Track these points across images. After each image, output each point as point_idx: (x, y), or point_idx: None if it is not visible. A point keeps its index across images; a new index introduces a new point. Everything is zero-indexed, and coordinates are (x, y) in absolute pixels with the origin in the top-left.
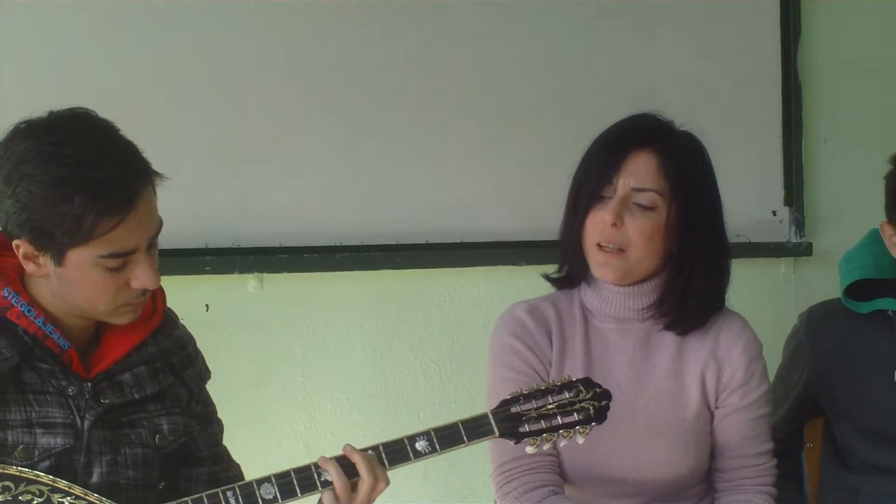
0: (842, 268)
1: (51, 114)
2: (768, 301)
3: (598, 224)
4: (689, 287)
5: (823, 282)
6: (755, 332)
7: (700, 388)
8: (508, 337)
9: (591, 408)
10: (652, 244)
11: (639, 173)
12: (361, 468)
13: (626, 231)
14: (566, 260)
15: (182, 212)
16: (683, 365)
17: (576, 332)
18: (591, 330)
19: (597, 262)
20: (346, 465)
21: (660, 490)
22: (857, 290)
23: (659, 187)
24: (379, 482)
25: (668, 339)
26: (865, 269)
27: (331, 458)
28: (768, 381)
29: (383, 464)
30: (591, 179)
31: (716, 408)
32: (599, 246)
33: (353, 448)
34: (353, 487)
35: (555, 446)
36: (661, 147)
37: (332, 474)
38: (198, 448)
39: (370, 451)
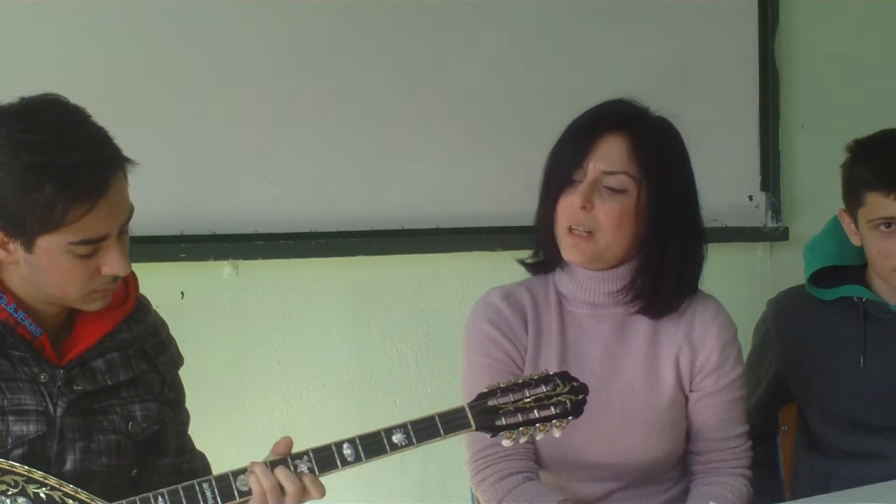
0: (806, 255)
1: (22, 100)
2: (745, 285)
3: (567, 207)
4: (662, 271)
5: (799, 266)
6: (730, 316)
7: (675, 372)
8: (484, 323)
9: (567, 402)
10: (622, 228)
11: (609, 156)
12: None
13: (595, 214)
14: (541, 245)
15: (157, 199)
16: (658, 349)
17: (551, 318)
18: (566, 315)
19: (566, 244)
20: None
21: (636, 474)
22: (822, 276)
23: (629, 170)
24: (309, 492)
25: (643, 324)
26: (830, 256)
27: (261, 463)
28: (743, 364)
29: (359, 457)
30: (562, 164)
31: (690, 391)
32: (570, 229)
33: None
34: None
35: (531, 439)
36: (632, 131)
37: (260, 477)
38: (165, 437)
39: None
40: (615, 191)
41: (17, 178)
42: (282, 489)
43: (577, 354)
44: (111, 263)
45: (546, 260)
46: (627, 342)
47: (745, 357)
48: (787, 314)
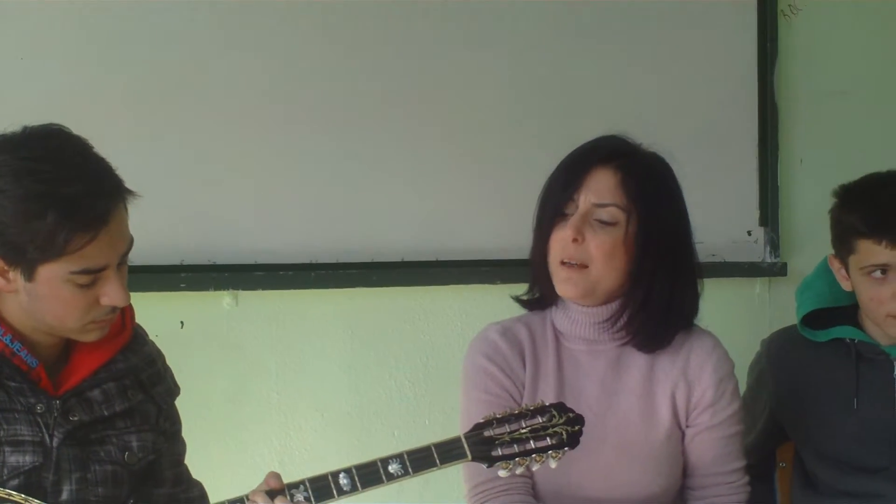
0: (798, 297)
1: (24, 129)
2: (742, 320)
3: (560, 241)
4: (651, 304)
5: None
6: (726, 351)
7: (671, 407)
8: (481, 359)
9: (564, 433)
10: (613, 260)
11: (599, 189)
12: None
13: (587, 247)
14: (536, 281)
15: (158, 228)
16: (654, 385)
17: (548, 354)
18: (563, 352)
19: (559, 278)
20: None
21: None
22: (814, 317)
23: (619, 202)
24: None
25: (639, 360)
26: (821, 298)
27: (261, 492)
28: (740, 399)
29: (356, 487)
30: (554, 197)
31: (687, 426)
32: (562, 262)
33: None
34: None
35: (527, 470)
36: (622, 164)
37: None
38: (161, 467)
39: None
40: (605, 223)
41: (20, 205)
42: None
43: (574, 391)
44: (110, 294)
45: (542, 296)
46: (623, 378)
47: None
48: (780, 355)
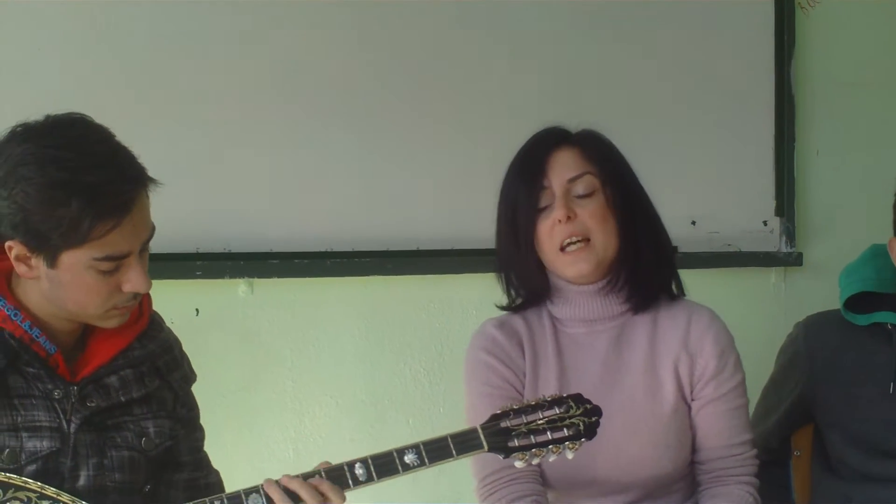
0: (842, 280)
1: (48, 118)
2: (758, 310)
3: (552, 229)
4: (640, 261)
5: (813, 292)
6: (725, 324)
7: (675, 381)
8: (481, 353)
9: (581, 423)
10: (607, 224)
11: (567, 165)
12: (304, 494)
13: (581, 221)
14: (522, 286)
15: (173, 217)
16: (656, 360)
17: (547, 342)
18: (562, 337)
19: (566, 262)
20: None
21: (644, 487)
22: (854, 303)
23: (590, 170)
24: (329, 500)
25: (640, 337)
26: (866, 282)
27: (275, 482)
28: (742, 372)
29: (371, 477)
30: (525, 195)
31: (692, 400)
32: (563, 248)
33: (292, 477)
34: None
35: (544, 461)
36: (575, 140)
37: (276, 499)
38: (179, 453)
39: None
40: (586, 195)
41: (44, 193)
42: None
43: (576, 373)
44: (133, 280)
45: (530, 296)
46: (625, 355)
47: (759, 381)
48: (819, 336)
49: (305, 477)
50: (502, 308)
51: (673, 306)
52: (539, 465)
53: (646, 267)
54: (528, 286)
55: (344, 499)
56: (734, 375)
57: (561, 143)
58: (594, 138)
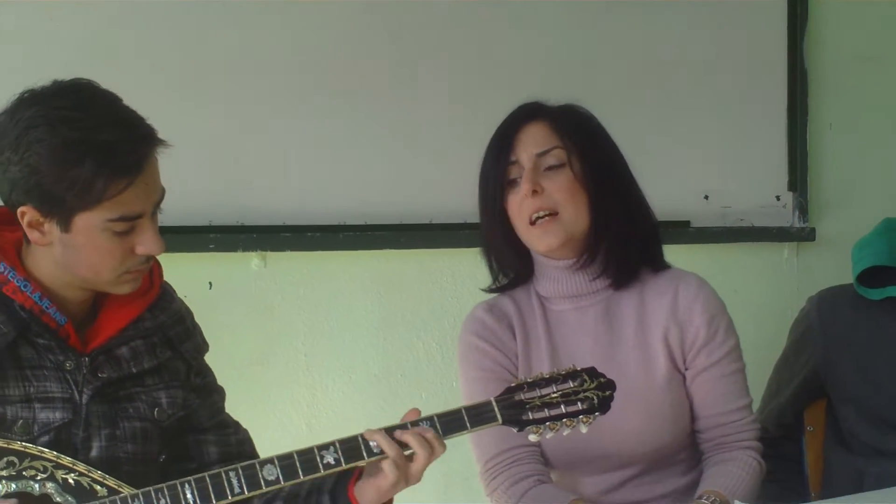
0: (855, 254)
1: (55, 82)
2: (770, 285)
3: (520, 203)
4: (613, 237)
5: (826, 267)
6: (714, 290)
7: (666, 351)
8: (472, 337)
9: (595, 397)
10: (576, 198)
11: (536, 139)
12: (412, 441)
13: (549, 195)
14: (505, 265)
15: (186, 189)
16: (647, 332)
17: (536, 321)
18: (551, 315)
19: (535, 236)
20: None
21: (646, 459)
22: (868, 277)
23: (560, 143)
24: (436, 450)
25: (629, 310)
26: (879, 256)
27: (378, 430)
28: (735, 336)
29: None
30: (494, 170)
31: (685, 369)
32: (532, 222)
33: (395, 427)
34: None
35: (558, 435)
36: (547, 114)
37: (383, 443)
38: (199, 420)
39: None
40: (554, 167)
41: (57, 153)
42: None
43: (568, 351)
44: (146, 242)
45: (516, 275)
46: (615, 329)
47: (770, 356)
48: (832, 310)
49: (320, 448)
50: (487, 290)
51: (659, 278)
52: (539, 445)
53: (621, 242)
54: (508, 263)
55: (445, 447)
56: (726, 341)
57: (533, 118)
58: (569, 112)
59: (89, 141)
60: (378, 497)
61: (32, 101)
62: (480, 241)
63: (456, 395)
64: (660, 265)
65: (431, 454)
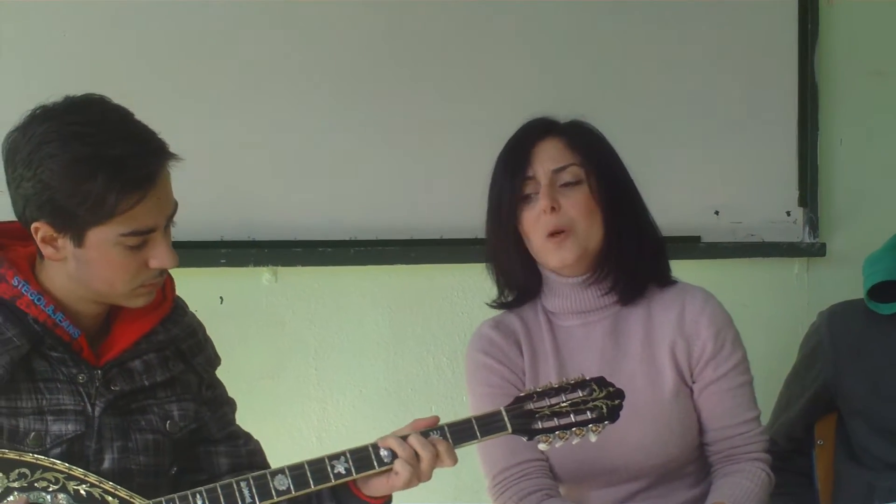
0: (865, 269)
1: (66, 98)
2: (781, 301)
3: (537, 218)
4: (622, 254)
5: (836, 283)
6: (720, 303)
7: (673, 365)
8: (479, 355)
9: (604, 406)
10: (592, 216)
11: (553, 156)
12: (421, 450)
13: (565, 212)
14: (511, 279)
15: (198, 205)
16: (653, 347)
17: (543, 337)
18: (558, 331)
19: (550, 250)
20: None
21: (654, 473)
22: (878, 292)
23: (576, 161)
24: (445, 461)
25: (636, 325)
26: (890, 271)
27: (392, 436)
28: (743, 349)
29: (395, 457)
30: (509, 184)
31: (693, 382)
32: (550, 235)
33: (409, 434)
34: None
35: (567, 444)
36: (562, 130)
37: (394, 445)
38: (210, 432)
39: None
40: (571, 184)
41: (70, 169)
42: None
43: (575, 366)
44: (159, 256)
45: (522, 292)
46: (622, 345)
47: (781, 371)
48: (842, 325)
49: (330, 458)
50: (492, 305)
51: (665, 292)
52: (547, 460)
53: (630, 258)
54: (516, 279)
55: (456, 460)
56: (733, 354)
57: (547, 134)
58: (581, 129)
59: (101, 156)
60: (386, 491)
61: (44, 116)
62: (488, 256)
63: (466, 409)
64: (666, 280)
65: (436, 455)
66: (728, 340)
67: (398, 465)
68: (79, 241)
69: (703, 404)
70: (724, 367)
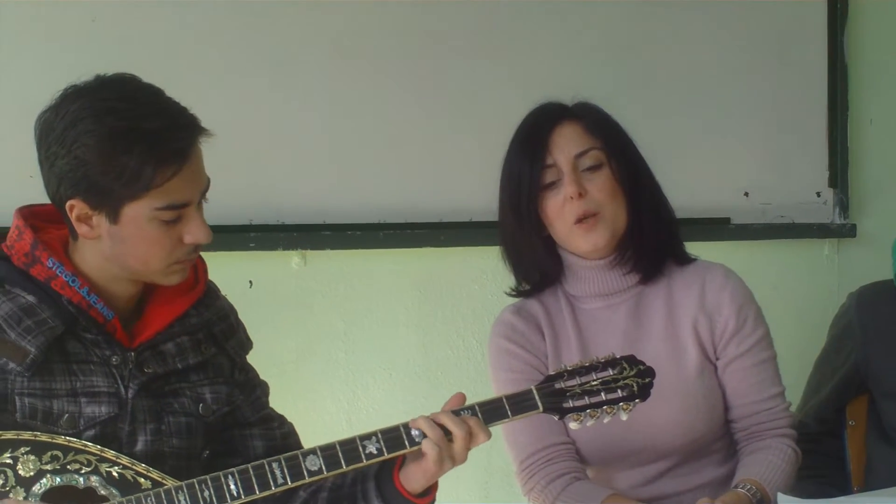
0: (895, 251)
1: (97, 77)
2: (811, 282)
3: (562, 205)
4: (644, 233)
5: (866, 263)
6: (741, 279)
7: (696, 342)
8: (501, 340)
9: (634, 384)
10: (617, 198)
11: (573, 140)
12: (452, 427)
13: (592, 197)
14: (530, 266)
15: (227, 189)
16: (676, 325)
17: (565, 321)
18: (580, 314)
19: (579, 236)
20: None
21: (681, 452)
22: None
23: (596, 144)
24: (478, 436)
25: (657, 304)
26: None
27: (423, 417)
28: (765, 325)
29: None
30: (528, 172)
31: (717, 359)
32: (578, 221)
33: (440, 413)
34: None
35: (598, 423)
36: (575, 115)
37: (424, 426)
38: (244, 416)
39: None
40: (593, 168)
41: (105, 143)
42: (449, 435)
43: (597, 348)
44: (193, 231)
45: (541, 279)
46: (644, 325)
47: (811, 352)
48: (871, 306)
49: (362, 438)
50: (511, 294)
51: (686, 270)
52: (574, 443)
53: (651, 236)
54: (537, 266)
55: (490, 435)
56: (756, 329)
57: (563, 118)
58: (595, 111)
59: (136, 129)
60: (425, 479)
61: (77, 95)
62: (504, 242)
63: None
64: (683, 258)
65: (469, 434)
66: (750, 316)
67: (426, 445)
68: (114, 217)
69: (726, 381)
70: (746, 343)
